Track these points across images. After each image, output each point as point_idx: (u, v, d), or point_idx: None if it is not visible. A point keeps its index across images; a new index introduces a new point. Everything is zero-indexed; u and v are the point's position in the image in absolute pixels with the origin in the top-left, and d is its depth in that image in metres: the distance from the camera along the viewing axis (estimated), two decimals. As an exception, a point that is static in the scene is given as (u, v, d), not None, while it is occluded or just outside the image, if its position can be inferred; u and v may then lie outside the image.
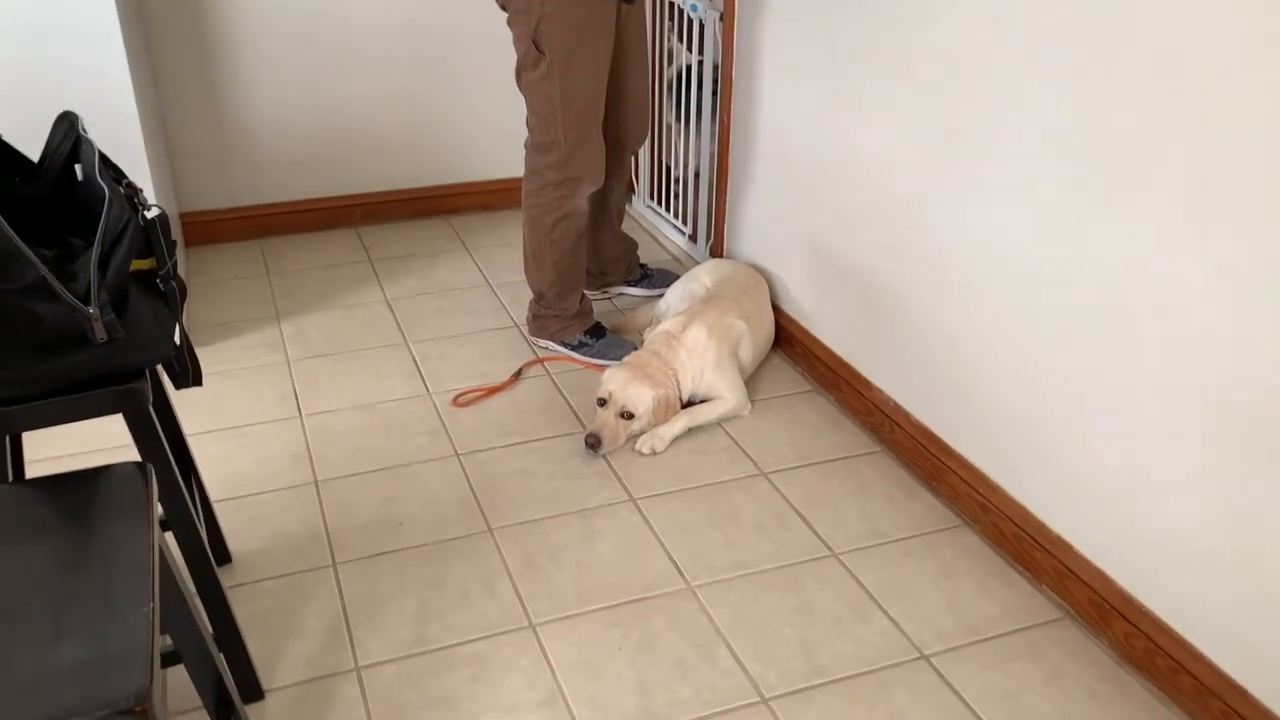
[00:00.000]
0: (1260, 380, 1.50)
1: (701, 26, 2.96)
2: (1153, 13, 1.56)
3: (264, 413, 2.52)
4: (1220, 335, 1.55)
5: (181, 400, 2.47)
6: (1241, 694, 1.61)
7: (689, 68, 3.10)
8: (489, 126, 3.61)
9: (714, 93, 2.98)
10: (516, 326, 2.93)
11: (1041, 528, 1.98)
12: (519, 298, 3.06)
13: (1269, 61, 1.40)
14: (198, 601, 1.53)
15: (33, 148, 1.56)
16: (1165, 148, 1.58)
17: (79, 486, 1.24)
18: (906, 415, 2.33)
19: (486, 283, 3.20)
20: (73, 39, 2.52)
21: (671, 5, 3.15)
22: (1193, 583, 1.68)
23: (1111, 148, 1.68)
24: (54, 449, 2.32)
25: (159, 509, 1.28)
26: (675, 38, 3.20)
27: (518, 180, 3.60)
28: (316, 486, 2.26)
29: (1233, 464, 1.57)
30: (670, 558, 2.06)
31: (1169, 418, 1.67)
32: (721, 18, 2.82)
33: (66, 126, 1.56)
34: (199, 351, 2.76)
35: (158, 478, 1.38)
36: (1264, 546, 1.55)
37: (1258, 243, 1.47)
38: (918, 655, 1.84)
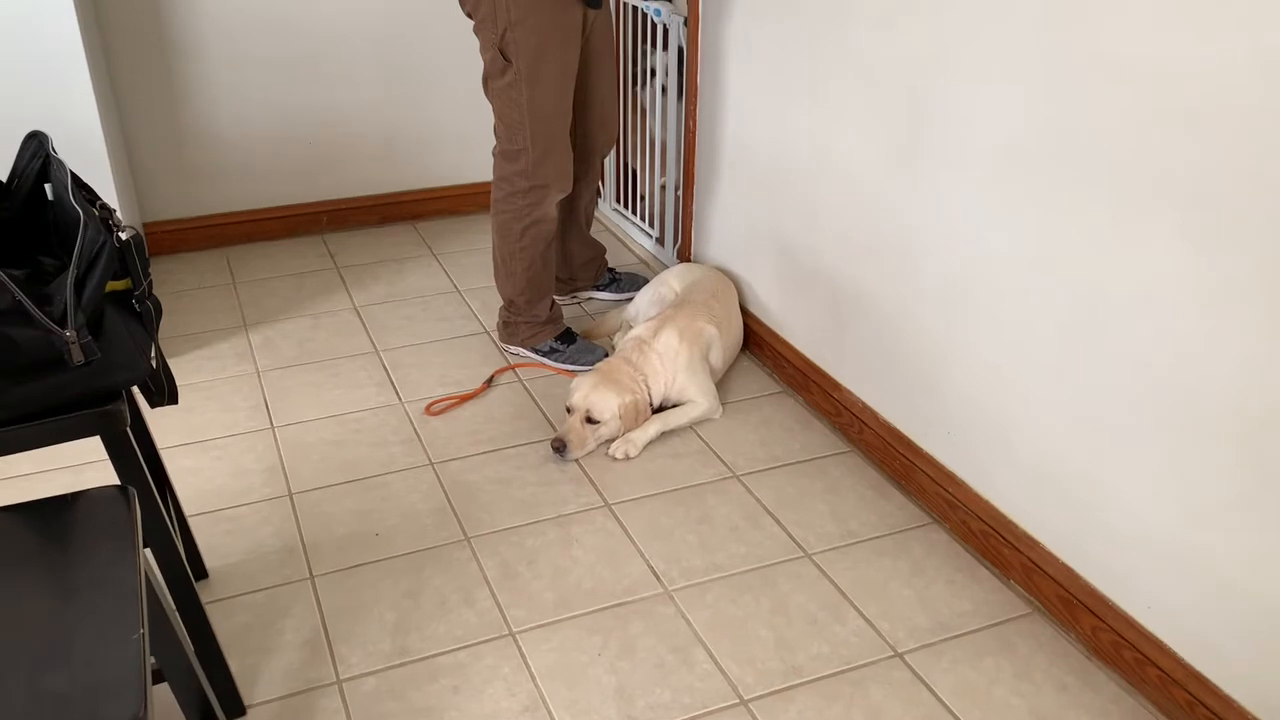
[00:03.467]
0: (1224, 381, 1.55)
1: (666, 31, 2.98)
2: (1113, 12, 1.60)
3: (236, 425, 2.51)
4: (1186, 335, 1.60)
5: (153, 414, 2.46)
6: (1203, 683, 1.66)
7: (660, 69, 3.12)
8: (455, 131, 3.62)
9: (678, 96, 3.00)
10: (487, 333, 2.94)
11: (1009, 524, 2.03)
12: (489, 304, 3.07)
13: (1240, 65, 1.45)
14: (179, 620, 1.54)
15: (-2, 165, 1.56)
16: (1130, 146, 1.62)
17: (62, 512, 1.24)
18: (875, 415, 2.37)
19: (455, 289, 3.20)
20: (33, 50, 2.50)
21: (635, 10, 3.17)
22: (1156, 578, 1.73)
23: (1076, 147, 1.72)
24: (17, 468, 2.30)
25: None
26: (649, 45, 3.22)
27: (484, 185, 3.62)
28: (291, 499, 2.26)
29: (1194, 462, 1.62)
30: (647, 562, 2.08)
31: (1132, 416, 1.71)
32: (686, 22, 2.84)
33: (35, 146, 1.56)
34: (169, 363, 2.75)
35: (137, 500, 1.38)
36: (1221, 543, 1.60)
37: (1222, 243, 1.51)
38: (892, 653, 1.87)
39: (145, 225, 3.34)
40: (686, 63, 2.87)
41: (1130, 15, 1.56)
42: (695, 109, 2.88)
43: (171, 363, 2.76)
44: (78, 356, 1.34)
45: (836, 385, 2.49)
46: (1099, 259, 1.71)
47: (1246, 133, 1.43)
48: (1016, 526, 2.01)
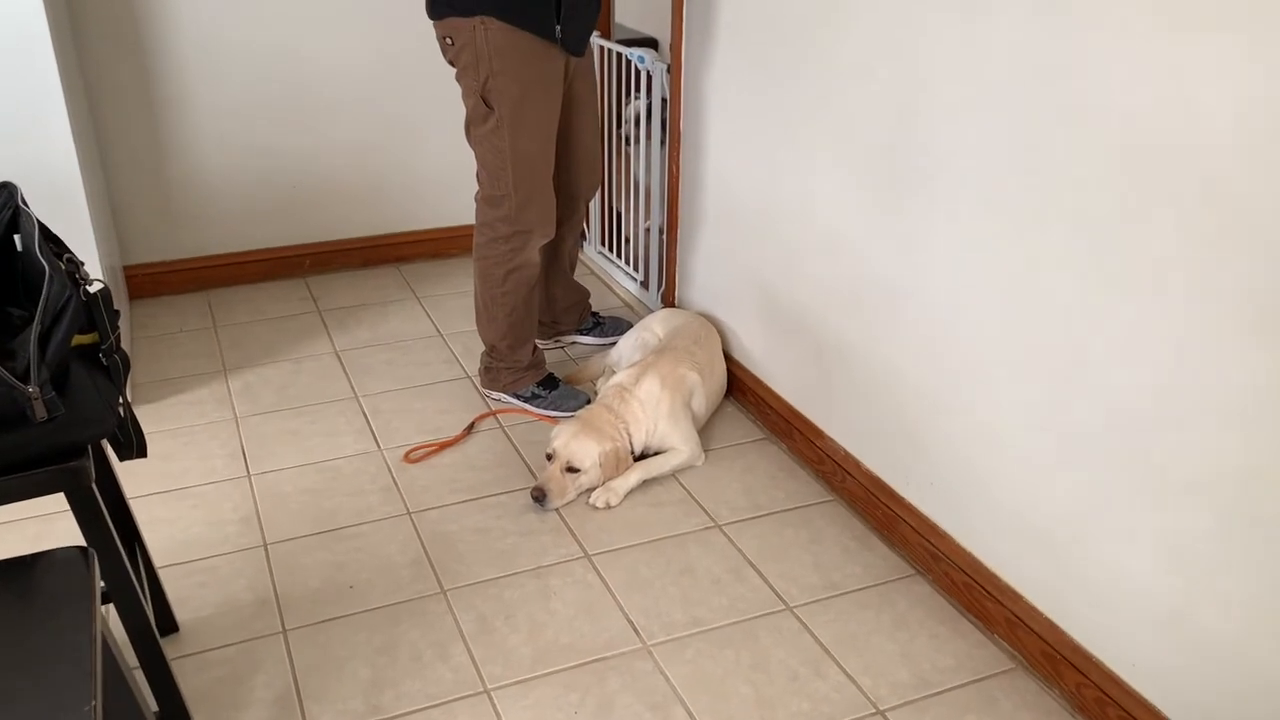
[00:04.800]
0: (1206, 433, 1.54)
1: (649, 79, 2.99)
2: (1088, 59, 1.60)
3: (213, 472, 2.48)
4: (1167, 386, 1.59)
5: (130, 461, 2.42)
6: (1190, 744, 1.64)
7: (645, 111, 3.12)
8: (438, 174, 3.61)
9: (661, 142, 3.01)
10: (469, 378, 2.92)
11: (992, 577, 2.00)
12: (470, 348, 3.05)
13: (1215, 109, 1.45)
14: (143, 678, 1.50)
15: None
16: (1109, 196, 1.62)
17: (18, 574, 1.21)
18: (858, 464, 2.35)
19: (438, 333, 3.19)
20: (11, 91, 2.48)
21: (619, 58, 3.18)
22: (1140, 633, 1.71)
23: (1056, 198, 1.71)
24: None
25: (102, 586, 1.25)
26: (633, 92, 3.23)
27: (467, 228, 3.61)
28: (266, 550, 2.22)
29: (1176, 517, 1.60)
30: (626, 616, 2.05)
31: (1115, 467, 1.70)
32: (669, 70, 2.85)
33: (5, 196, 1.54)
34: (145, 408, 2.72)
35: (101, 557, 1.36)
36: (1203, 599, 1.57)
37: (1202, 292, 1.50)
38: (874, 710, 1.84)
39: (126, 268, 3.32)
40: (670, 109, 2.88)
41: (1106, 62, 1.57)
42: (679, 155, 2.88)
43: (150, 408, 2.73)
44: (40, 413, 1.32)
45: (819, 433, 2.48)
46: (1080, 308, 1.70)
47: (1225, 180, 1.43)
48: (999, 579, 1.99)
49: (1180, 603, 1.62)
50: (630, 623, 2.03)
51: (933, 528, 2.14)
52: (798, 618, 2.05)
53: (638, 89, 3.11)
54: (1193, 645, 1.62)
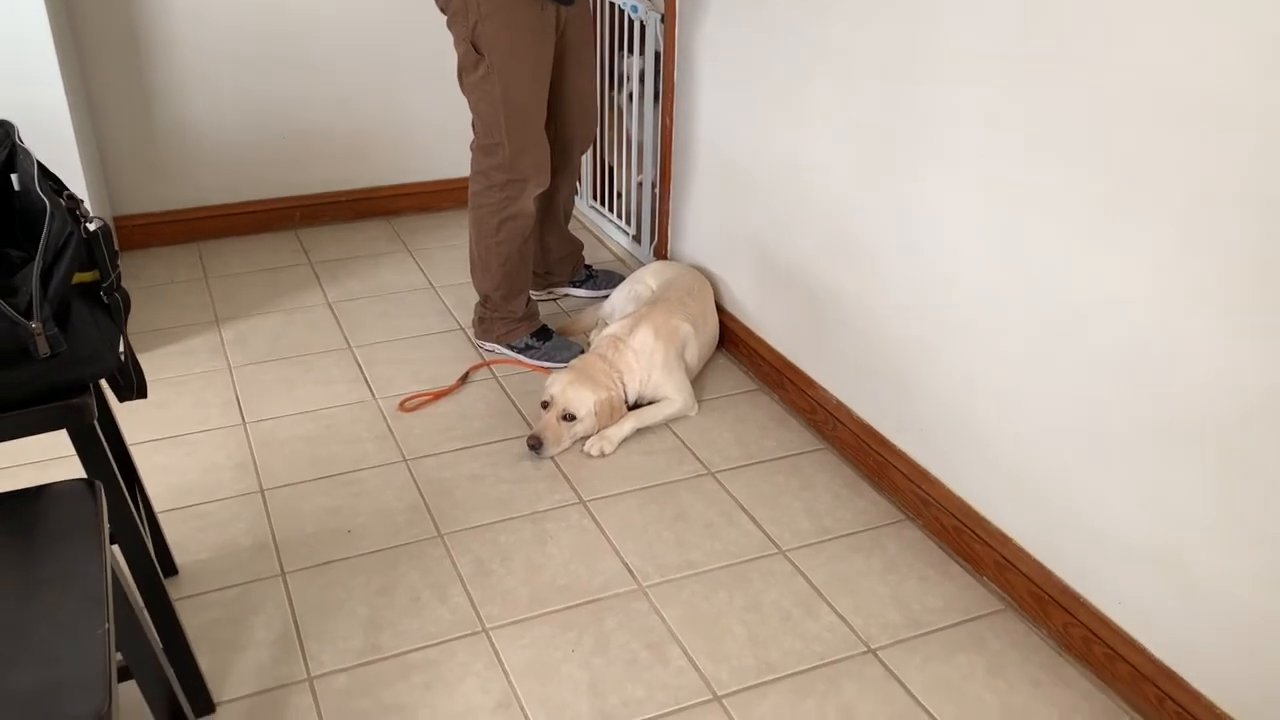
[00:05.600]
0: (1196, 381, 1.56)
1: (643, 28, 2.98)
2: (1084, 15, 1.61)
3: (208, 420, 2.49)
4: (1148, 333, 1.61)
5: (124, 408, 2.43)
6: (1173, 678, 1.68)
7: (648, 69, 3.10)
8: (428, 127, 3.60)
9: (655, 94, 3.00)
10: (462, 329, 2.93)
11: (981, 521, 2.04)
12: (463, 300, 3.05)
13: (1224, 61, 1.46)
14: (147, 617, 1.52)
15: (-33, 158, 1.53)
16: (1097, 151, 1.63)
17: (26, 506, 1.22)
18: (849, 412, 2.38)
19: (430, 285, 3.19)
20: (2, 42, 2.46)
21: (613, 8, 3.16)
22: (1126, 573, 1.74)
23: (1045, 152, 1.73)
24: (-14, 462, 2.27)
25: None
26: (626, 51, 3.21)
27: (458, 180, 3.60)
28: (263, 495, 2.24)
29: (1165, 461, 1.63)
30: (621, 559, 2.08)
31: (1104, 415, 1.72)
32: (663, 19, 2.84)
33: (1, 135, 1.53)
34: (140, 358, 2.72)
35: (105, 494, 1.37)
36: (1190, 539, 1.61)
37: (1185, 242, 1.52)
38: (865, 649, 1.88)
39: (116, 219, 3.31)
40: (664, 61, 2.87)
41: (1106, 14, 1.57)
42: (672, 107, 2.88)
43: (143, 358, 2.73)
44: (44, 348, 1.32)
45: (811, 383, 2.50)
46: (1072, 261, 1.72)
47: (1221, 134, 1.44)
48: (989, 523, 2.02)
49: (1164, 542, 1.66)
50: (625, 565, 2.06)
51: (923, 474, 2.17)
52: (790, 561, 2.09)
53: (630, 42, 3.09)
54: (1177, 584, 1.65)
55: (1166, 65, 1.49)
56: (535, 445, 2.36)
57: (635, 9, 2.98)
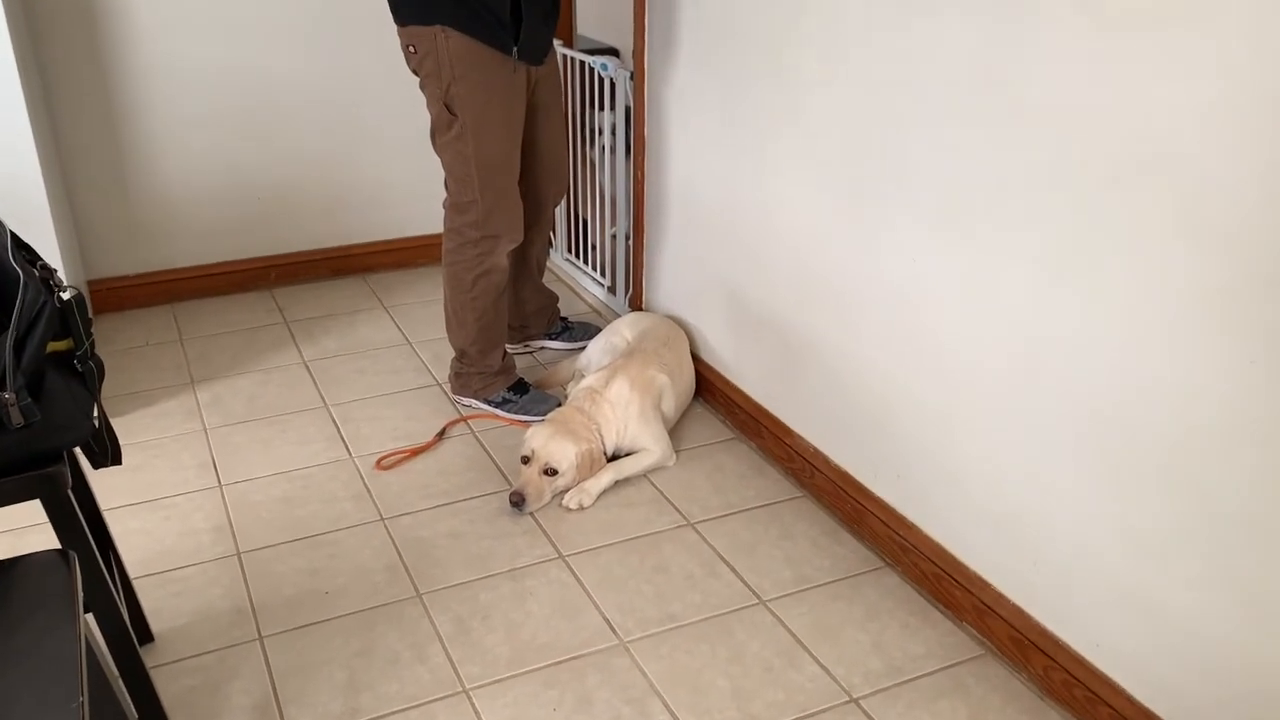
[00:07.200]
0: (1162, 419, 1.59)
1: (613, 86, 3.03)
2: (1031, 72, 1.65)
3: (184, 483, 2.47)
4: (1124, 376, 1.63)
5: (100, 472, 2.41)
6: (1154, 720, 1.69)
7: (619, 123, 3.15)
8: (404, 185, 3.63)
9: (627, 148, 3.04)
10: (439, 385, 2.93)
11: (959, 566, 2.05)
12: (440, 355, 3.06)
13: (1173, 113, 1.50)
14: (122, 686, 1.50)
15: (-60, 229, 1.53)
16: (1064, 193, 1.67)
17: (-1, 578, 1.21)
18: (825, 459, 2.39)
19: (406, 341, 3.19)
20: (-26, 109, 2.48)
21: (583, 65, 3.21)
22: (1104, 616, 1.75)
23: (1012, 195, 1.76)
24: (-40, 531, 2.25)
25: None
26: (597, 107, 3.25)
27: (433, 237, 3.62)
28: (240, 558, 2.22)
29: (1139, 500, 1.65)
30: (602, 614, 2.07)
31: (1078, 454, 1.75)
32: (632, 77, 2.88)
33: (-26, 206, 1.54)
34: (113, 422, 2.70)
35: (79, 564, 1.36)
36: (1169, 580, 1.62)
37: (1149, 285, 1.55)
38: (848, 698, 1.87)
39: (90, 283, 3.30)
40: (634, 116, 2.91)
41: (1060, 65, 1.62)
42: (643, 161, 2.92)
43: (118, 421, 2.71)
44: (16, 419, 1.32)
45: (788, 430, 2.51)
46: (1038, 302, 1.75)
47: (1174, 180, 1.48)
48: (967, 568, 2.03)
49: (1139, 584, 1.67)
50: (606, 620, 2.05)
51: (901, 520, 2.18)
52: (771, 611, 2.09)
53: (602, 98, 3.14)
54: (1153, 625, 1.66)
55: (1117, 119, 1.53)
56: (518, 501, 2.35)
57: (605, 67, 3.03)
